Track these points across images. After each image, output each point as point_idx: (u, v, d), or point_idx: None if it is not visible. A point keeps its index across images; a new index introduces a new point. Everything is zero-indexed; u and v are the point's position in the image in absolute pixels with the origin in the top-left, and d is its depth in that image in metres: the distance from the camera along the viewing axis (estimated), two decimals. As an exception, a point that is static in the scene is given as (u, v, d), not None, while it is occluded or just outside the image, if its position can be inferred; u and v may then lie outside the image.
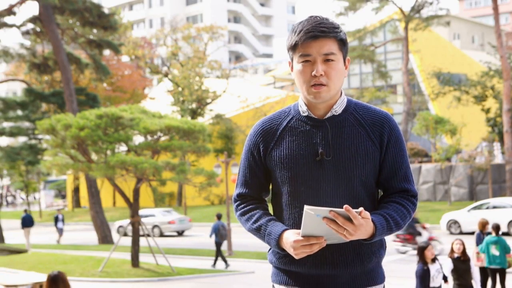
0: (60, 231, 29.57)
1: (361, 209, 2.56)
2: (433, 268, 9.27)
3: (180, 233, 32.22)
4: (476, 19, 76.61)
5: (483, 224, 13.67)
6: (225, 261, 19.60)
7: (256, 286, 16.25)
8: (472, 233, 20.52)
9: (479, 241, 13.19)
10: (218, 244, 19.64)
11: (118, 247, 21.13)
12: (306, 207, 2.51)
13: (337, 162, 2.76)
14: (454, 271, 10.19)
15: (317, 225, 2.55)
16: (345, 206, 2.51)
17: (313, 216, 2.52)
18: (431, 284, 9.24)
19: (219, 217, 20.26)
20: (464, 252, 10.26)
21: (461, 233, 25.96)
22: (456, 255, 10.22)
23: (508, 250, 12.44)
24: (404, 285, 14.71)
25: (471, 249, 12.74)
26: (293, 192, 2.80)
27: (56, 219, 29.66)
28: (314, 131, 2.81)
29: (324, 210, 2.51)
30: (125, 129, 18.44)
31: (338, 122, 2.81)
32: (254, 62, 69.33)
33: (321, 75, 2.73)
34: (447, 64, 48.33)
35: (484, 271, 12.62)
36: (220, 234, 19.59)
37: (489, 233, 13.29)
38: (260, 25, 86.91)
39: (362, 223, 2.56)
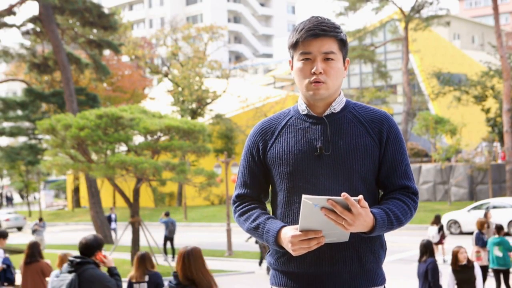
0: (114, 231, 27.70)
1: (360, 197, 2.54)
2: None
3: (19, 229, 39.73)
4: (476, 19, 76.59)
5: (482, 224, 13.66)
6: (165, 254, 21.53)
7: (256, 286, 16.25)
8: (472, 233, 20.53)
9: (478, 240, 13.19)
10: (166, 238, 22.14)
11: (118, 247, 21.12)
12: (304, 196, 2.50)
13: (336, 157, 2.77)
14: (456, 282, 9.70)
15: (315, 217, 2.53)
16: (342, 193, 2.50)
17: (311, 206, 2.50)
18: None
19: (167, 214, 22.52)
20: (468, 258, 9.78)
21: (461, 233, 25.97)
22: (459, 264, 9.65)
23: (511, 249, 12.39)
24: (405, 286, 14.70)
25: (470, 249, 12.74)
26: (292, 188, 2.79)
27: (109, 219, 27.91)
28: (313, 128, 2.82)
29: (322, 199, 2.50)
30: (125, 129, 18.43)
31: (337, 119, 2.83)
32: (254, 62, 69.22)
33: (320, 73, 2.75)
34: (447, 64, 48.34)
35: (484, 270, 12.61)
36: (169, 229, 21.97)
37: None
38: (260, 25, 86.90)
39: (361, 213, 2.53)
